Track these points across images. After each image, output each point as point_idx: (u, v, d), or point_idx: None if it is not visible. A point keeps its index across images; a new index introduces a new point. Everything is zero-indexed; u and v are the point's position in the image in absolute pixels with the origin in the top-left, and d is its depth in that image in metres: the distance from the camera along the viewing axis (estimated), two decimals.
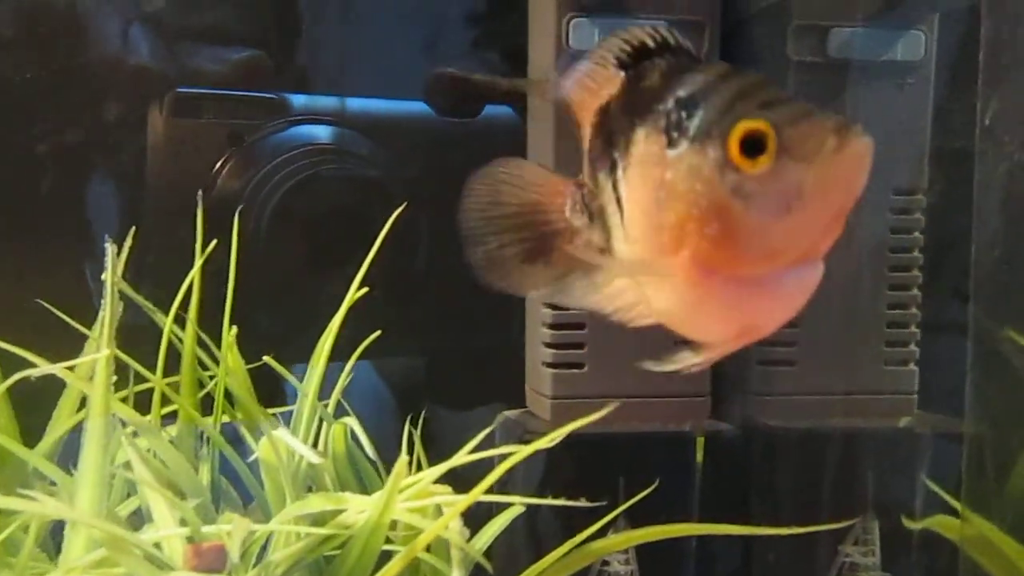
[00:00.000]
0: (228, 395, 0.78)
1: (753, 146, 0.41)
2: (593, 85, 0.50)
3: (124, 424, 0.71)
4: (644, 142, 0.45)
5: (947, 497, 0.77)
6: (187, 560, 0.56)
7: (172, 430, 0.75)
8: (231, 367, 0.76)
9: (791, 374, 0.85)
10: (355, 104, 0.95)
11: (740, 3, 0.85)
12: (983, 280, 0.62)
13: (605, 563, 0.84)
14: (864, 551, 0.86)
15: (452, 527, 0.56)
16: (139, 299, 0.76)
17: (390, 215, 0.81)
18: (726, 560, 0.88)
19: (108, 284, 0.68)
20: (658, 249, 0.45)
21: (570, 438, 0.80)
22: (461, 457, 0.57)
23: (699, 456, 0.86)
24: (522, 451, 0.50)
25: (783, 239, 0.42)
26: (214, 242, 0.75)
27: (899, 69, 0.84)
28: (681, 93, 0.44)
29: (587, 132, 0.51)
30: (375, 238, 0.79)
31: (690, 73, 0.45)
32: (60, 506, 0.56)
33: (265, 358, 0.74)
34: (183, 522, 0.58)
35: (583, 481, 0.79)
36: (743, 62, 0.86)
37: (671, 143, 0.44)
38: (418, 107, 0.96)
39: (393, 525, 0.61)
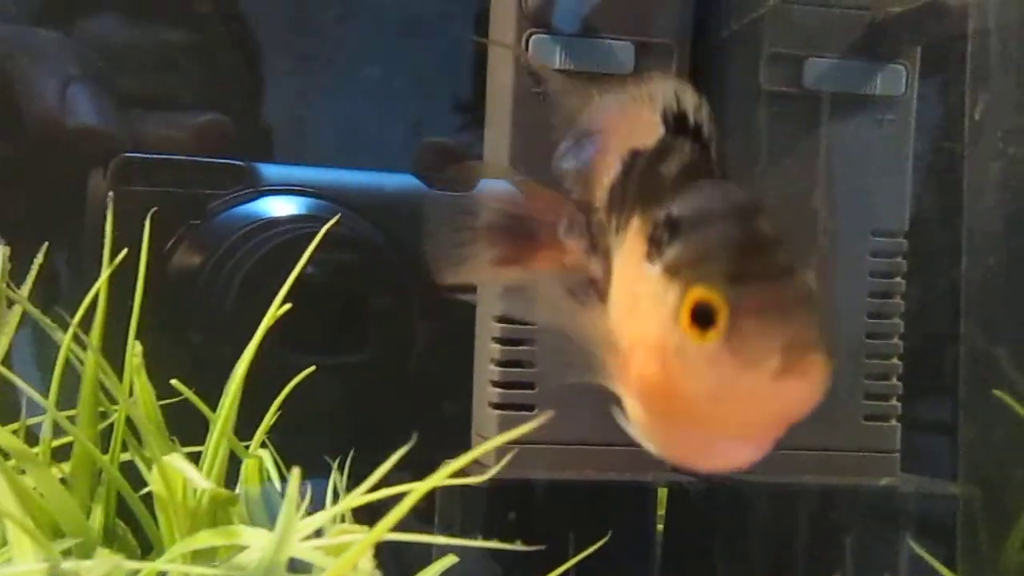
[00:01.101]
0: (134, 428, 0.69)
1: (704, 317, 0.37)
2: (634, 122, 0.46)
3: (7, 456, 0.63)
4: (634, 236, 0.43)
5: (937, 565, 0.69)
6: None
7: None
8: (138, 395, 0.67)
9: None
10: (334, 175, 0.89)
11: (712, 27, 0.81)
12: (976, 290, 0.56)
13: None
14: None
15: (360, 566, 0.47)
16: (37, 314, 0.68)
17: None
18: None
19: None
20: (619, 343, 0.42)
21: (518, 485, 0.73)
22: (359, 496, 0.49)
23: (660, 510, 0.78)
24: (427, 484, 0.42)
25: (708, 417, 0.39)
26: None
27: (878, 104, 0.79)
28: (674, 211, 0.41)
29: (612, 164, 0.47)
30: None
31: (694, 188, 0.41)
32: None
33: (172, 381, 0.65)
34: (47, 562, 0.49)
35: (531, 532, 0.71)
36: (714, 89, 0.81)
37: (650, 256, 0.41)
38: (403, 179, 0.91)
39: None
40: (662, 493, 0.79)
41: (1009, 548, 0.67)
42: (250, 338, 0.66)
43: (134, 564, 0.49)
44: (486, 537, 0.73)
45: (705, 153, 0.44)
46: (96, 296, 0.67)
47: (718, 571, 0.76)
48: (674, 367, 0.38)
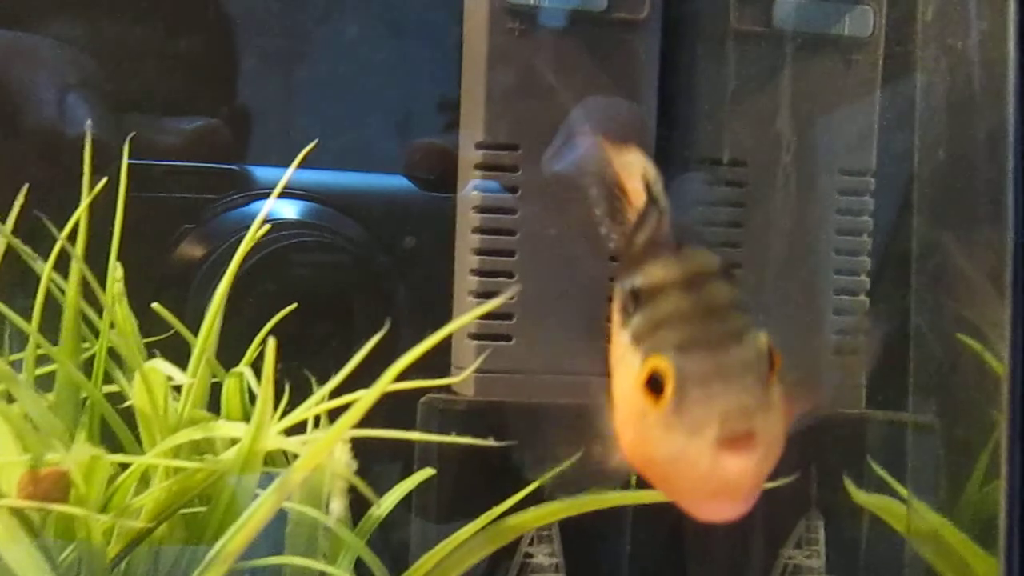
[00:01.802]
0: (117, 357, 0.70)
1: (656, 385, 0.39)
2: (630, 197, 0.49)
3: None
4: (616, 301, 0.45)
5: (895, 484, 0.71)
6: (22, 487, 0.48)
7: None
8: (119, 322, 0.68)
9: None
10: (325, 178, 0.89)
11: None
12: (925, 185, 0.58)
13: (528, 555, 0.76)
14: (808, 553, 0.79)
15: (334, 454, 0.49)
16: (17, 244, 0.68)
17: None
18: (660, 566, 0.80)
19: None
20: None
21: (496, 409, 0.75)
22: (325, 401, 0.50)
23: None
24: (394, 373, 0.43)
25: (673, 479, 0.40)
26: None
27: (847, 45, 0.81)
28: (636, 281, 0.43)
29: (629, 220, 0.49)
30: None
31: (656, 258, 0.43)
32: None
33: (154, 305, 0.66)
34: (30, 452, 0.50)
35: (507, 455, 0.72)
36: (684, 30, 0.82)
37: (623, 324, 0.43)
38: (394, 181, 0.92)
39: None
40: None
41: (969, 487, 0.68)
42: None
43: (117, 457, 0.50)
44: (464, 461, 0.75)
45: (663, 223, 0.46)
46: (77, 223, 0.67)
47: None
48: (639, 431, 0.40)
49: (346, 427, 0.46)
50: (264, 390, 0.47)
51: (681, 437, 0.38)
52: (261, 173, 0.88)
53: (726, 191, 0.81)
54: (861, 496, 0.71)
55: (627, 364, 0.41)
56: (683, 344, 0.38)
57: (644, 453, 0.41)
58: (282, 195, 0.82)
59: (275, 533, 0.61)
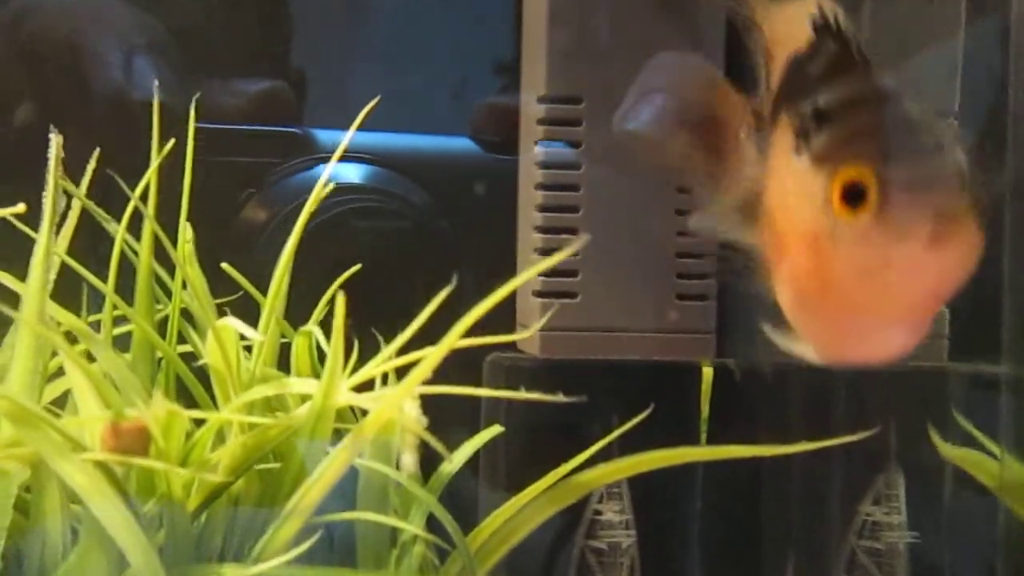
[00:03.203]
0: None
1: (855, 195, 0.39)
2: (795, 23, 0.48)
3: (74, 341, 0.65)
4: (783, 133, 0.45)
5: (983, 439, 0.69)
6: (104, 440, 0.49)
7: None
8: (190, 282, 0.69)
9: None
10: (389, 140, 0.88)
11: None
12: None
13: (598, 512, 0.76)
14: (887, 509, 0.77)
15: (405, 410, 0.49)
16: (91, 206, 0.70)
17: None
18: (733, 524, 0.80)
19: (51, 179, 0.62)
20: (771, 238, 0.44)
21: (563, 368, 0.74)
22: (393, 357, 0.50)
23: (704, 396, 0.79)
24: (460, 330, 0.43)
25: (863, 296, 0.40)
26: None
27: None
28: (820, 103, 0.42)
29: (775, 67, 0.49)
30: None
31: (839, 81, 0.43)
32: None
33: (223, 265, 0.67)
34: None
35: (576, 412, 0.72)
36: None
37: (798, 149, 0.43)
38: (459, 143, 0.91)
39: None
40: (707, 374, 0.79)
41: None
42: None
43: (194, 412, 0.51)
44: (531, 420, 0.75)
45: (847, 51, 0.45)
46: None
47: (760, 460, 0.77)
48: (827, 251, 0.40)
49: (416, 382, 0.46)
50: (335, 345, 0.47)
51: (888, 243, 0.38)
52: (324, 136, 0.88)
53: None
54: (948, 450, 0.68)
55: (806, 186, 0.40)
56: (884, 152, 0.39)
57: (833, 271, 0.40)
58: (345, 159, 0.82)
59: (348, 491, 0.62)
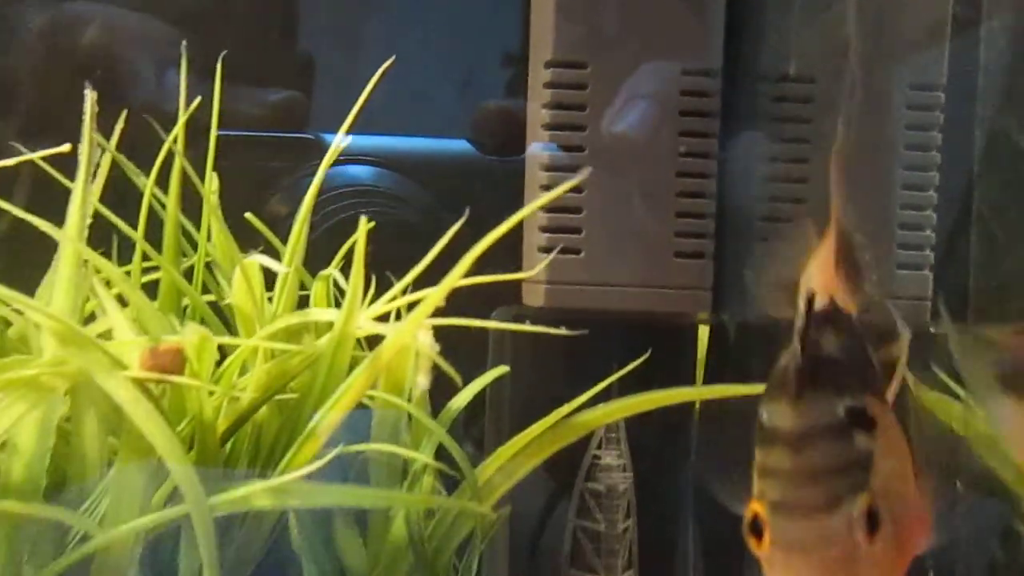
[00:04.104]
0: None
1: (758, 529, 0.39)
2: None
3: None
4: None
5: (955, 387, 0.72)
6: (143, 361, 0.53)
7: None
8: (215, 234, 0.74)
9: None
10: (394, 143, 0.93)
11: None
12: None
13: (597, 457, 0.80)
14: None
15: (419, 336, 0.53)
16: (121, 159, 0.74)
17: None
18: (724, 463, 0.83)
19: (85, 131, 0.66)
20: None
21: (566, 318, 0.78)
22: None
23: (700, 348, 0.83)
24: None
25: None
26: None
27: None
28: (762, 417, 0.40)
29: None
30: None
31: (782, 401, 0.40)
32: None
33: (247, 215, 0.71)
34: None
35: (576, 359, 0.76)
36: None
37: None
38: (460, 145, 0.94)
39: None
40: (703, 332, 0.83)
41: None
42: None
43: (223, 339, 0.55)
44: (536, 363, 0.79)
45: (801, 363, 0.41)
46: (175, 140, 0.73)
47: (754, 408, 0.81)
48: None
49: (428, 310, 0.50)
50: (355, 274, 0.51)
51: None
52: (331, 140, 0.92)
53: (793, 107, 0.82)
54: (925, 394, 0.72)
55: None
56: (779, 502, 0.38)
57: None
58: (352, 160, 0.86)
59: (362, 431, 0.66)
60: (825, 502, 0.37)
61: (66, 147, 0.60)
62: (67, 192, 0.63)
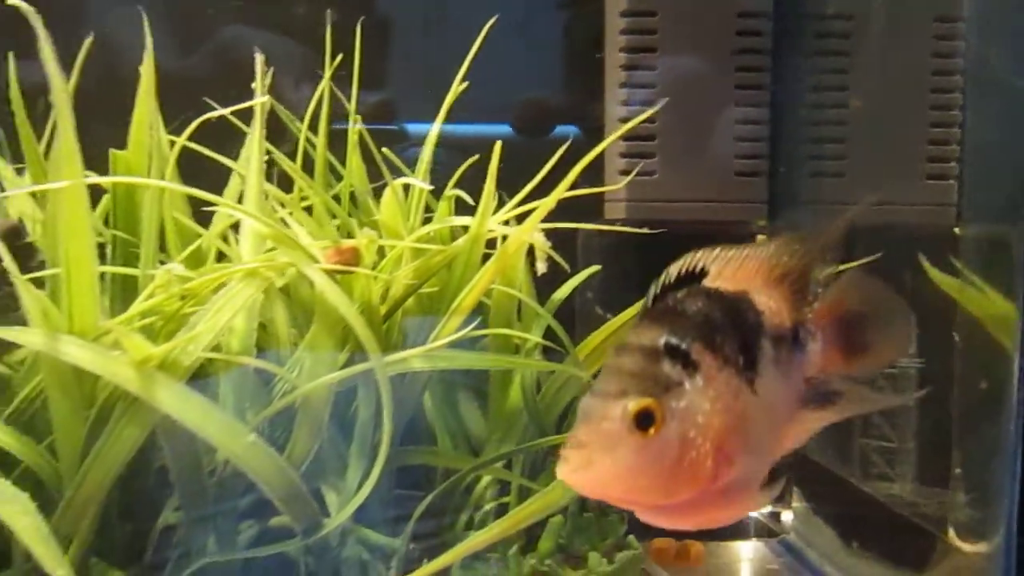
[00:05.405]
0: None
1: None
2: None
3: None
4: None
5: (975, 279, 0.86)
6: (329, 257, 0.72)
7: None
8: (354, 168, 0.91)
9: (840, 184, 0.97)
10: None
11: None
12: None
13: None
14: None
15: (534, 235, 0.70)
16: (275, 104, 0.92)
17: None
18: None
19: (257, 91, 0.84)
20: None
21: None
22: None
23: None
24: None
25: None
26: None
27: None
28: None
29: None
30: None
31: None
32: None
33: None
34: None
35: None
36: None
37: None
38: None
39: None
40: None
41: None
42: None
43: (384, 240, 0.73)
44: (617, 264, 0.95)
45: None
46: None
47: None
48: None
49: (541, 214, 0.67)
50: (488, 185, 0.67)
51: None
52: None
53: (833, 42, 0.96)
54: (943, 279, 0.86)
55: None
56: (594, 387, 0.49)
57: None
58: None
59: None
60: (614, 392, 0.47)
61: (265, 98, 0.78)
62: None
